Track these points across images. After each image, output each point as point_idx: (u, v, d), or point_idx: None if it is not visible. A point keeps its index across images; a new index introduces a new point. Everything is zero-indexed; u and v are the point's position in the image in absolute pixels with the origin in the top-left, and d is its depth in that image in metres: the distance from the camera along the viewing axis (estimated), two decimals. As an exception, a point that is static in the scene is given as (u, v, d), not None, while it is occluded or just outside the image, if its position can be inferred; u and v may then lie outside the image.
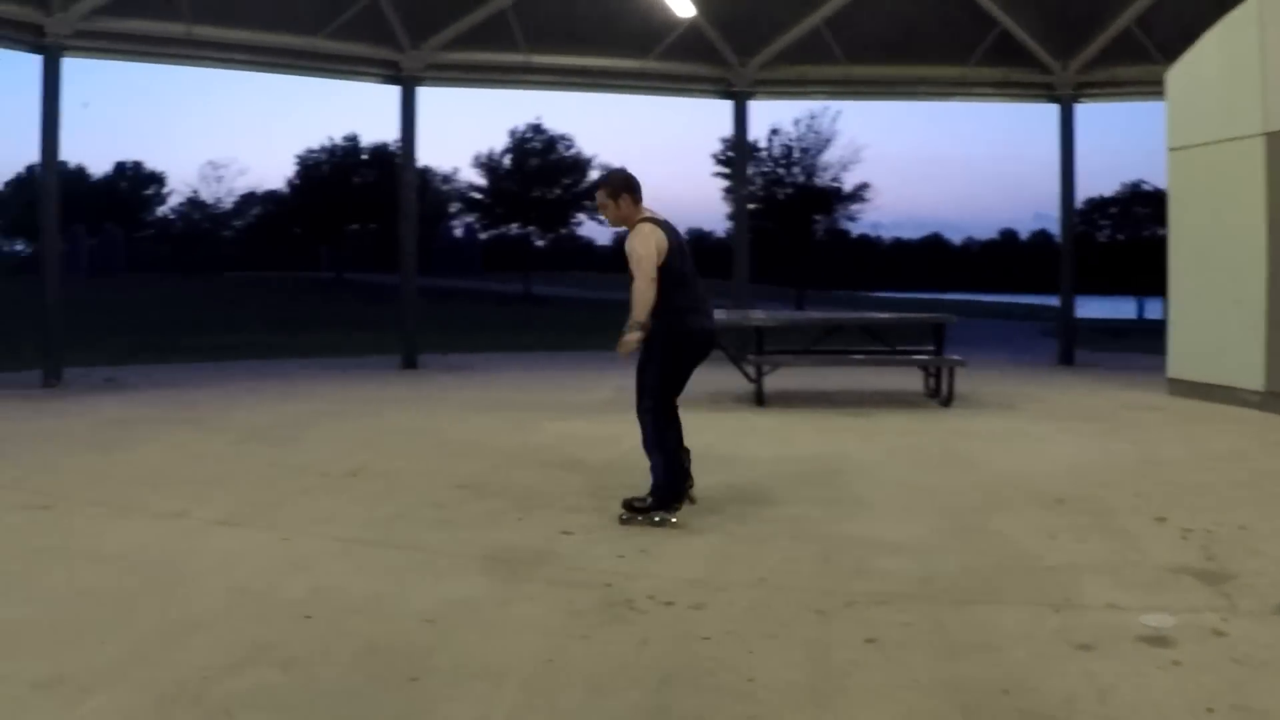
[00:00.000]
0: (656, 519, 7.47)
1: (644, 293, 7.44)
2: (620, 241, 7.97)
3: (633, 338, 7.44)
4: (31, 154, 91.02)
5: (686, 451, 7.80)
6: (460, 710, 4.40)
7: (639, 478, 7.96)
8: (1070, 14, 18.95)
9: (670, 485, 7.59)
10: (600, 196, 7.91)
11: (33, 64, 16.05)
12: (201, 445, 10.76)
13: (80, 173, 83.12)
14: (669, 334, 7.61)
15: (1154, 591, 5.96)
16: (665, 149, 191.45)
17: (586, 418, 12.54)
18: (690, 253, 7.89)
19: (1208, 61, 14.38)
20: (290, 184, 76.30)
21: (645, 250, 7.52)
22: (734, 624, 5.42)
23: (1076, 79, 19.55)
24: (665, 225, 7.69)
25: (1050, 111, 20.15)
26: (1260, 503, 8.17)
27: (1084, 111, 19.98)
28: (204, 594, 5.85)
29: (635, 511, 7.54)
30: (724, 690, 4.61)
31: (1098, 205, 70.60)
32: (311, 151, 74.21)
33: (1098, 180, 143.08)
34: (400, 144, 20.47)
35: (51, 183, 16.71)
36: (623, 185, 7.82)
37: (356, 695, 4.52)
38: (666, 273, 7.53)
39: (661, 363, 7.66)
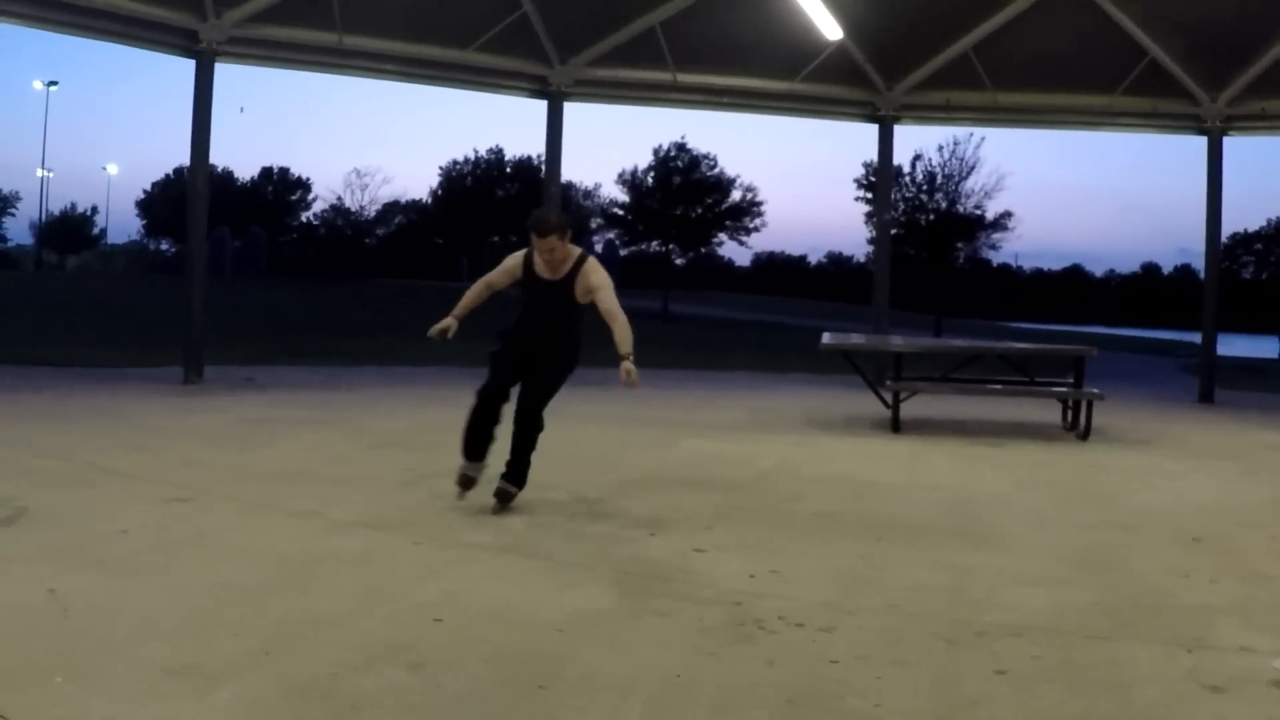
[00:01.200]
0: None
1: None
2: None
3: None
4: (179, 156, 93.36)
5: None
6: (587, 721, 4.37)
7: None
8: (1220, 45, 18.49)
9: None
10: (554, 240, 8.12)
11: (185, 67, 16.40)
12: (336, 447, 10.89)
13: (227, 176, 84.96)
14: (576, 358, 8.45)
15: (1289, 636, 5.78)
16: (808, 171, 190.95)
17: (722, 436, 12.49)
18: None
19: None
20: (433, 194, 77.39)
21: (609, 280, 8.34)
22: (863, 649, 5.33)
23: (1226, 111, 19.10)
24: None
25: (1196, 143, 19.71)
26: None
27: (1230, 143, 19.52)
28: (335, 593, 5.90)
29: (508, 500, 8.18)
30: (850, 715, 4.54)
31: (1242, 240, 69.13)
32: (455, 163, 75.21)
33: (1243, 214, 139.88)
34: (545, 158, 20.56)
35: (200, 186, 17.05)
36: (569, 225, 8.36)
37: (484, 700, 4.51)
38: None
39: (563, 379, 8.42)
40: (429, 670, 4.78)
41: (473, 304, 8.66)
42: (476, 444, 8.30)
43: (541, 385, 8.32)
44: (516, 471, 8.25)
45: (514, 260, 8.53)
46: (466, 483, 8.30)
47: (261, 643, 5.02)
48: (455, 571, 6.47)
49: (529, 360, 8.32)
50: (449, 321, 8.48)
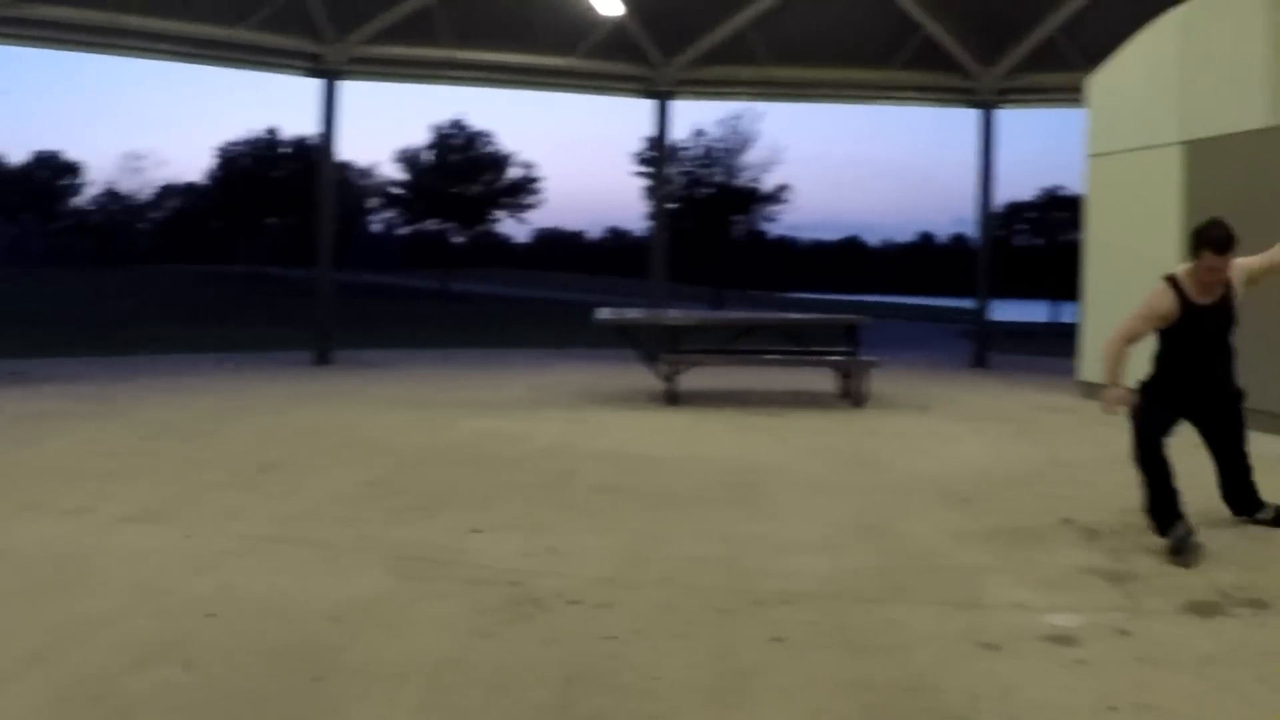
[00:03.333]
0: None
1: None
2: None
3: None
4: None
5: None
6: (364, 710, 4.38)
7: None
8: (994, 20, 19.14)
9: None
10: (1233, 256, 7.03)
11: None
12: (111, 440, 10.64)
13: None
14: None
15: (1060, 591, 6.05)
16: (587, 146, 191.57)
17: (500, 415, 12.52)
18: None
19: (1128, 70, 14.62)
20: (210, 176, 75.74)
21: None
22: (641, 623, 5.43)
23: (998, 84, 19.76)
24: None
25: (971, 116, 20.34)
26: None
27: (1005, 116, 20.16)
28: (107, 592, 5.79)
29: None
30: (629, 690, 4.62)
31: (1016, 210, 71.36)
32: (232, 144, 73.74)
33: (1017, 185, 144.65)
34: (321, 138, 20.23)
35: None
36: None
37: (260, 695, 4.49)
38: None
39: None
40: (203, 667, 4.74)
41: (1122, 364, 7.26)
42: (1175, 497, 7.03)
43: (1243, 425, 7.47)
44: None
45: (1164, 298, 7.17)
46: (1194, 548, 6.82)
47: (32, 647, 4.92)
48: (229, 564, 6.38)
49: (1203, 403, 7.34)
50: (1124, 393, 7.22)
